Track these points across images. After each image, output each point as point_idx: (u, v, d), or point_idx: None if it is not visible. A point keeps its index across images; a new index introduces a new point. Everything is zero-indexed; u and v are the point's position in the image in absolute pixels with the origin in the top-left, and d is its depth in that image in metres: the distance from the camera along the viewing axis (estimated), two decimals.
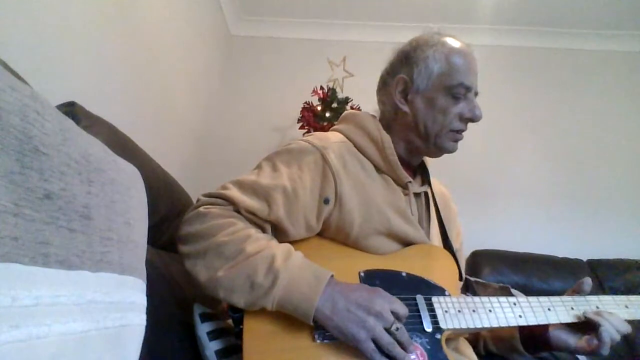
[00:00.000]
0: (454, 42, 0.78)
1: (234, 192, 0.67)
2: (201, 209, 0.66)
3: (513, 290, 0.74)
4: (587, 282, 0.71)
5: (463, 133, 0.77)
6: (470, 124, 0.78)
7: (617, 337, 0.64)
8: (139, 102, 1.55)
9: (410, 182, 0.78)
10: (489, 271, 1.78)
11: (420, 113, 0.77)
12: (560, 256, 1.89)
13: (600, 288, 1.77)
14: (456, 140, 0.78)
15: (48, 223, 0.33)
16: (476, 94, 0.77)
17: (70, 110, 0.65)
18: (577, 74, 2.38)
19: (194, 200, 0.74)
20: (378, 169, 0.78)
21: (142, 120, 1.58)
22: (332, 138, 0.78)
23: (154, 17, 1.61)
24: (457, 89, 0.74)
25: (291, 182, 0.68)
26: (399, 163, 0.76)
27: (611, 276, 1.80)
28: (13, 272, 0.29)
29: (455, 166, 2.18)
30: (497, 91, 2.38)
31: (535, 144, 2.30)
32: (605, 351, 0.63)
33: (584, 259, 1.90)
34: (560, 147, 2.28)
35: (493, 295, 0.74)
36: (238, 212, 0.66)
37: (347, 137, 0.80)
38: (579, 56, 2.40)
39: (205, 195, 0.69)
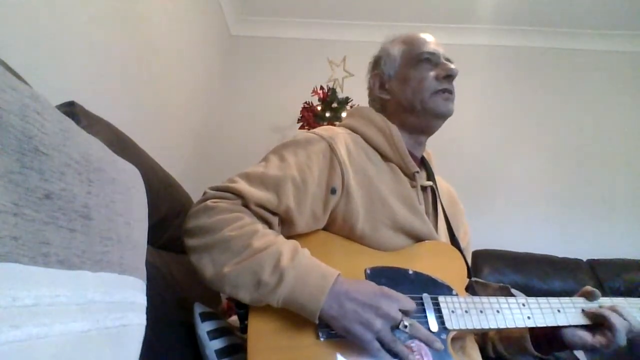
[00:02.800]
0: (406, 31, 0.88)
1: (242, 185, 0.66)
2: (208, 202, 0.65)
3: (513, 290, 0.73)
4: (597, 293, 0.70)
5: (452, 93, 0.79)
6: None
7: (629, 328, 0.63)
8: (139, 102, 1.55)
9: (417, 172, 0.78)
10: (489, 271, 1.78)
11: (398, 92, 0.82)
12: (560, 256, 1.89)
13: (600, 288, 1.77)
14: (446, 99, 0.78)
15: (48, 223, 0.33)
16: (448, 60, 0.81)
17: (70, 110, 0.64)
18: (577, 74, 2.38)
19: (194, 200, 0.73)
20: (385, 158, 0.78)
21: (142, 120, 1.58)
22: (338, 130, 0.79)
23: (154, 17, 1.61)
24: (422, 57, 0.80)
25: (300, 172, 0.68)
26: (406, 150, 0.77)
27: (611, 276, 1.80)
28: (13, 272, 0.29)
29: (455, 166, 2.18)
30: (497, 91, 2.38)
31: (535, 144, 2.30)
32: (621, 340, 0.62)
33: (584, 259, 1.90)
34: (560, 147, 2.28)
35: (493, 295, 0.74)
36: (246, 206, 0.65)
37: (353, 130, 0.81)
38: (579, 56, 2.40)
39: (213, 189, 0.68)
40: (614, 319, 0.63)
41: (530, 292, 1.70)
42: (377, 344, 0.55)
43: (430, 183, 0.83)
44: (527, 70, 2.41)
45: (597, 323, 0.67)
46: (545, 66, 2.41)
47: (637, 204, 2.14)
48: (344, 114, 1.93)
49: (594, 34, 2.37)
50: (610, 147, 2.25)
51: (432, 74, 0.79)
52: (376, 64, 0.88)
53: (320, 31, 2.53)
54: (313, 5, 2.39)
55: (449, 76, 0.78)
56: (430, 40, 0.83)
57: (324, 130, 0.77)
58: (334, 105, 1.97)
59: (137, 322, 0.46)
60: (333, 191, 0.69)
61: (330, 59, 2.12)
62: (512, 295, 0.71)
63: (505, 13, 2.30)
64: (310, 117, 1.95)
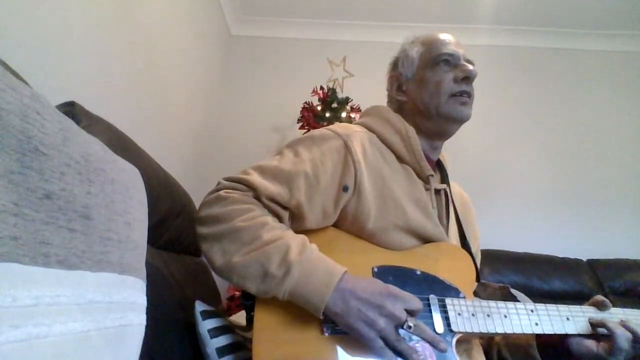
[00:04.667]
0: (426, 32, 0.86)
1: (255, 178, 0.67)
2: (221, 192, 0.66)
3: (513, 290, 0.73)
4: (608, 303, 0.68)
5: (470, 97, 0.77)
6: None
7: (632, 339, 0.62)
8: (139, 102, 1.55)
9: (432, 175, 0.77)
10: (488, 271, 1.78)
11: (415, 95, 0.81)
12: (560, 256, 1.89)
13: (600, 288, 1.77)
14: (463, 104, 0.76)
15: (48, 223, 0.33)
16: (468, 61, 0.80)
17: (70, 110, 0.64)
18: (577, 74, 2.38)
19: (195, 201, 0.74)
20: (400, 159, 0.77)
21: (142, 120, 1.57)
22: (355, 128, 0.78)
23: (154, 17, 1.61)
24: (440, 59, 0.78)
25: (313, 168, 0.69)
26: (422, 153, 0.76)
27: (611, 276, 1.80)
28: (13, 272, 0.29)
29: (455, 166, 2.18)
30: (497, 91, 2.38)
31: (535, 144, 2.30)
32: (621, 356, 0.61)
33: (584, 259, 1.90)
34: (560, 147, 2.28)
35: (492, 294, 0.73)
36: (258, 198, 0.66)
37: (370, 129, 0.80)
38: (579, 56, 2.40)
39: (226, 179, 0.69)
40: (618, 330, 0.62)
41: (530, 292, 1.70)
42: (380, 342, 0.54)
43: (444, 186, 0.82)
44: (527, 70, 2.41)
45: (605, 335, 0.65)
46: (545, 66, 2.41)
47: (637, 204, 2.14)
48: (343, 114, 1.93)
49: (594, 34, 2.37)
50: (610, 147, 2.25)
51: (450, 76, 0.77)
52: (394, 65, 0.87)
53: (320, 31, 2.53)
54: (313, 5, 2.39)
55: (467, 78, 0.76)
56: (450, 41, 0.81)
57: (340, 127, 0.77)
58: (334, 105, 1.97)
59: (137, 322, 0.46)
60: (345, 189, 0.69)
61: (330, 59, 2.12)
62: (511, 294, 0.71)
63: (505, 13, 2.30)
64: (310, 117, 1.95)
